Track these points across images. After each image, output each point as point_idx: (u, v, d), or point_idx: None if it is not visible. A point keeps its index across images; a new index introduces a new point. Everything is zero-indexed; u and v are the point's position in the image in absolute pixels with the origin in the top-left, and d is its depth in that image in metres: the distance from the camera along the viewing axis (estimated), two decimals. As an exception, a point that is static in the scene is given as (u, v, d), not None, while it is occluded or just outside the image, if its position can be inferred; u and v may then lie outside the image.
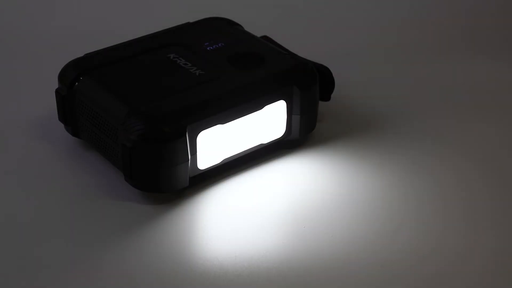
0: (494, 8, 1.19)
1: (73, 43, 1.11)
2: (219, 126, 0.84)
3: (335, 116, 0.96)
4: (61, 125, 0.92)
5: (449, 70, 1.06)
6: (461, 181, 0.87)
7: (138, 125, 0.81)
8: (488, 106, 0.99)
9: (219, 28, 0.97)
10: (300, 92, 0.88)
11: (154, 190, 0.84)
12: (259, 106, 0.86)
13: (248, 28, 0.99)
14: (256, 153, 0.89)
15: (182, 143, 0.81)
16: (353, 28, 1.16)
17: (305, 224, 0.82)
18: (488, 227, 0.81)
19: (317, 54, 0.97)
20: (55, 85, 0.90)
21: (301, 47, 0.97)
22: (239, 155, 0.87)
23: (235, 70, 0.88)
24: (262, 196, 0.86)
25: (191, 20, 0.99)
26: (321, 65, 0.94)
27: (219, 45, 0.93)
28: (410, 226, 0.81)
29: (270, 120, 0.88)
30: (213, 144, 0.84)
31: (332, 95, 0.95)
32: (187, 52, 0.91)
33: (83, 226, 0.82)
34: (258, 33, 0.96)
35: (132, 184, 0.83)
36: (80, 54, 0.93)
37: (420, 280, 0.76)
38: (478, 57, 1.09)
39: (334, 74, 0.94)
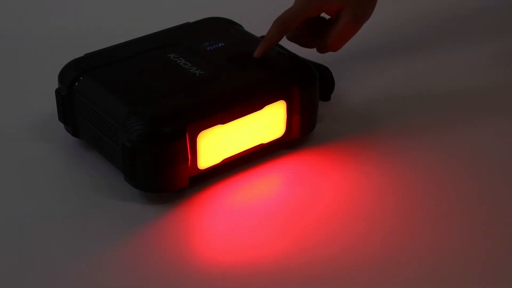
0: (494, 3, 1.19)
1: (73, 43, 1.11)
2: (219, 126, 0.84)
3: (335, 116, 0.96)
4: (61, 125, 0.92)
5: (449, 70, 1.06)
6: (459, 182, 0.87)
7: (138, 125, 0.81)
8: (487, 107, 0.99)
9: (219, 28, 0.97)
10: (300, 92, 0.88)
11: (154, 190, 0.84)
12: (259, 106, 0.86)
13: (248, 28, 0.99)
14: (256, 153, 0.89)
15: (182, 143, 0.81)
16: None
17: (305, 224, 0.82)
18: (483, 226, 0.81)
19: (317, 54, 0.97)
20: (55, 85, 0.90)
21: (301, 47, 0.97)
22: (239, 155, 0.87)
23: (235, 70, 0.88)
24: (261, 196, 0.86)
25: (191, 20, 0.99)
26: (321, 65, 0.95)
27: (219, 45, 0.93)
28: (409, 225, 0.81)
29: (270, 120, 0.88)
30: (213, 144, 0.84)
31: (332, 95, 0.95)
32: (187, 52, 0.91)
33: (83, 225, 0.82)
34: (258, 33, 0.96)
35: (132, 184, 0.83)
36: (80, 54, 0.93)
37: (420, 279, 0.76)
38: (479, 56, 1.09)
39: (334, 74, 0.95)
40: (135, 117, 0.82)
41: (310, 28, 0.92)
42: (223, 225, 0.82)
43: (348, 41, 0.91)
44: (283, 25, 0.88)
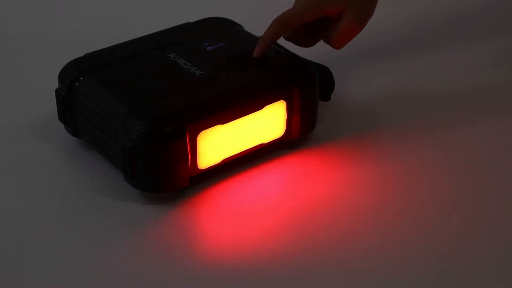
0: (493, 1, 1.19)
1: (73, 43, 1.11)
2: (219, 126, 0.84)
3: (335, 116, 0.96)
4: (61, 125, 0.92)
5: (449, 70, 1.06)
6: (459, 181, 0.87)
7: (138, 125, 0.81)
8: (487, 107, 0.99)
9: (219, 28, 0.97)
10: (300, 92, 0.88)
11: (154, 190, 0.84)
12: (259, 106, 0.86)
13: (248, 28, 0.99)
14: (256, 153, 0.89)
15: (182, 143, 0.81)
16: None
17: (305, 224, 0.82)
18: (483, 226, 0.81)
19: (317, 54, 0.97)
20: (55, 85, 0.90)
21: (301, 47, 0.97)
22: (239, 155, 0.87)
23: (235, 70, 0.88)
24: (262, 196, 0.86)
25: (191, 20, 0.99)
26: (321, 65, 0.95)
27: (219, 45, 0.93)
28: (409, 225, 0.81)
29: (270, 120, 0.88)
30: (213, 144, 0.84)
31: (332, 95, 0.95)
32: (187, 52, 0.91)
33: (83, 226, 0.82)
34: (258, 33, 0.96)
35: (132, 184, 0.83)
36: (80, 54, 0.93)
37: (419, 279, 0.76)
38: (479, 56, 1.09)
39: (334, 74, 0.95)
40: (135, 117, 0.82)
41: (306, 29, 0.92)
42: (223, 225, 0.82)
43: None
44: (281, 26, 0.88)
